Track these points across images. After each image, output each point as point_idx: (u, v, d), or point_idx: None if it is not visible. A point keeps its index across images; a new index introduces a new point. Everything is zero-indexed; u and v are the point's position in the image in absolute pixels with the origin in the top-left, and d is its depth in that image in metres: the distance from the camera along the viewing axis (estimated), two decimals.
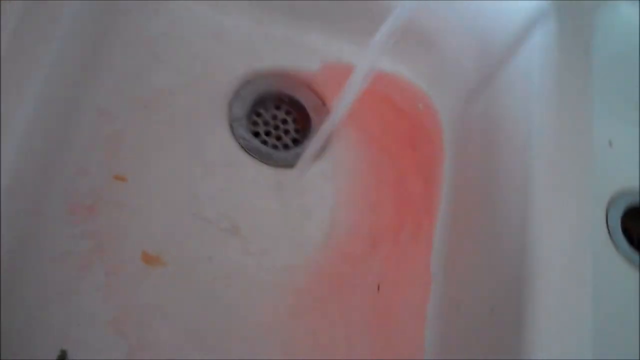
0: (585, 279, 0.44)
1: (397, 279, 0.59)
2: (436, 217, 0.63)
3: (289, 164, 0.60)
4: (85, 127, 0.55)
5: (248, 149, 0.60)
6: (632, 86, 0.67)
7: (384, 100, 0.68)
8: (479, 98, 0.62)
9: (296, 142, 0.63)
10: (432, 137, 0.67)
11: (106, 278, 0.51)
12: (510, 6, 0.57)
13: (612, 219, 0.66)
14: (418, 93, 0.69)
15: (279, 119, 0.64)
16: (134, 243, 0.53)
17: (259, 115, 0.63)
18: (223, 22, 0.65)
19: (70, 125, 0.54)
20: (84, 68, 0.55)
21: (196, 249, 0.54)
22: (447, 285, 0.58)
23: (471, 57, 0.63)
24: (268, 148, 0.61)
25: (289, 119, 0.64)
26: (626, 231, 0.66)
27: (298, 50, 0.66)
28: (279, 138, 0.63)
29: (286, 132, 0.63)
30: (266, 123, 0.63)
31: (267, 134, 0.63)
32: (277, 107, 0.65)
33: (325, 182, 0.61)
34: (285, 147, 0.62)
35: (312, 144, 0.59)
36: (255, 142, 0.61)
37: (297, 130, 0.64)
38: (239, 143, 0.60)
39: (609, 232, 0.65)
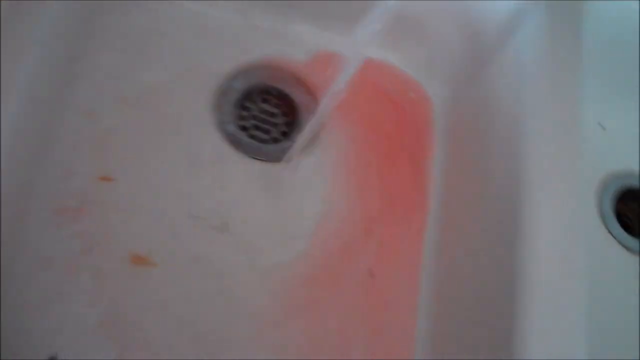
0: (577, 263, 0.44)
1: (389, 267, 0.59)
2: (428, 205, 0.62)
3: (279, 158, 0.60)
4: (71, 127, 0.54)
5: (236, 144, 0.59)
6: (626, 71, 0.67)
7: (374, 88, 0.67)
8: (471, 85, 0.62)
9: (285, 135, 0.62)
10: (423, 124, 0.67)
11: (95, 280, 0.50)
12: None
13: (604, 202, 0.66)
14: (409, 81, 0.68)
15: (267, 112, 0.63)
16: (123, 244, 0.52)
17: (246, 109, 0.62)
18: (207, 15, 0.64)
19: (55, 126, 0.53)
20: (69, 68, 0.54)
21: (186, 248, 0.54)
22: (438, 273, 0.59)
23: (463, 45, 0.63)
24: (257, 142, 0.61)
25: (278, 112, 0.64)
26: (619, 215, 0.66)
27: (285, 42, 0.65)
28: (267, 132, 0.62)
29: (275, 125, 0.63)
30: (254, 117, 0.62)
31: (256, 127, 0.62)
32: (265, 100, 0.64)
33: (316, 174, 0.61)
34: (275, 140, 0.62)
35: (302, 137, 0.58)
36: (244, 137, 0.60)
37: (286, 123, 0.63)
38: (227, 138, 0.59)
39: (601, 216, 0.65)
